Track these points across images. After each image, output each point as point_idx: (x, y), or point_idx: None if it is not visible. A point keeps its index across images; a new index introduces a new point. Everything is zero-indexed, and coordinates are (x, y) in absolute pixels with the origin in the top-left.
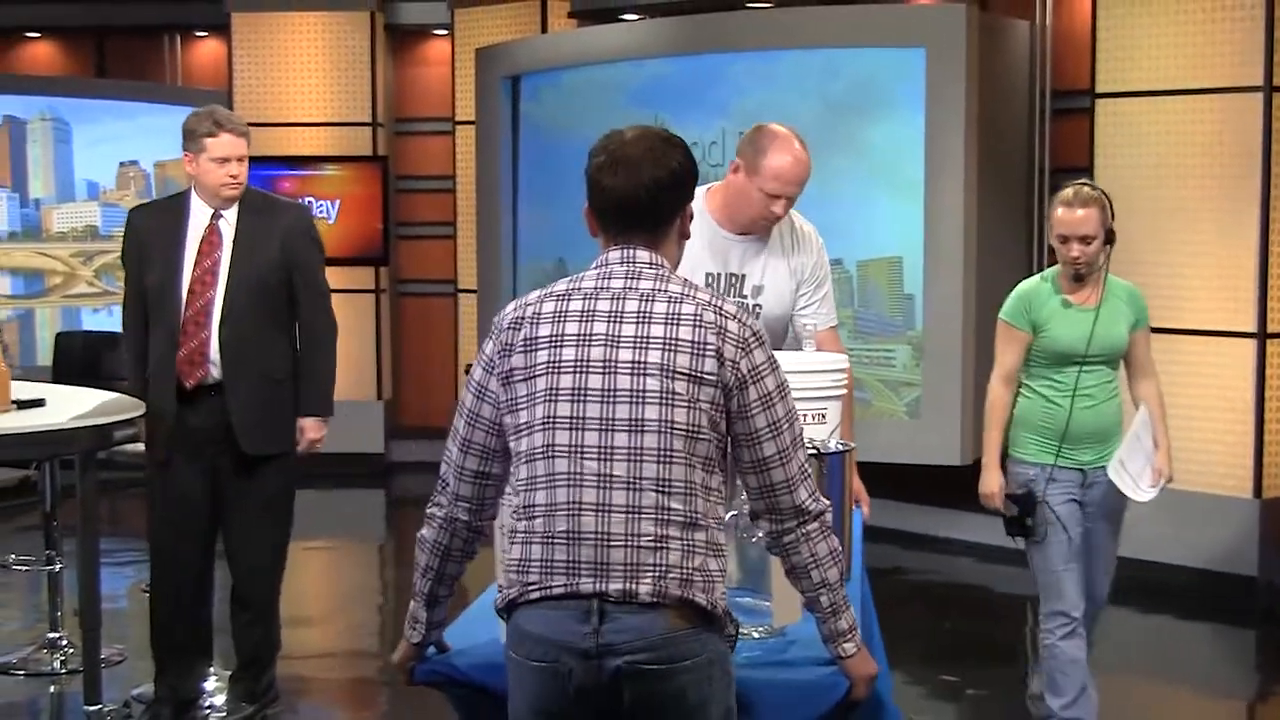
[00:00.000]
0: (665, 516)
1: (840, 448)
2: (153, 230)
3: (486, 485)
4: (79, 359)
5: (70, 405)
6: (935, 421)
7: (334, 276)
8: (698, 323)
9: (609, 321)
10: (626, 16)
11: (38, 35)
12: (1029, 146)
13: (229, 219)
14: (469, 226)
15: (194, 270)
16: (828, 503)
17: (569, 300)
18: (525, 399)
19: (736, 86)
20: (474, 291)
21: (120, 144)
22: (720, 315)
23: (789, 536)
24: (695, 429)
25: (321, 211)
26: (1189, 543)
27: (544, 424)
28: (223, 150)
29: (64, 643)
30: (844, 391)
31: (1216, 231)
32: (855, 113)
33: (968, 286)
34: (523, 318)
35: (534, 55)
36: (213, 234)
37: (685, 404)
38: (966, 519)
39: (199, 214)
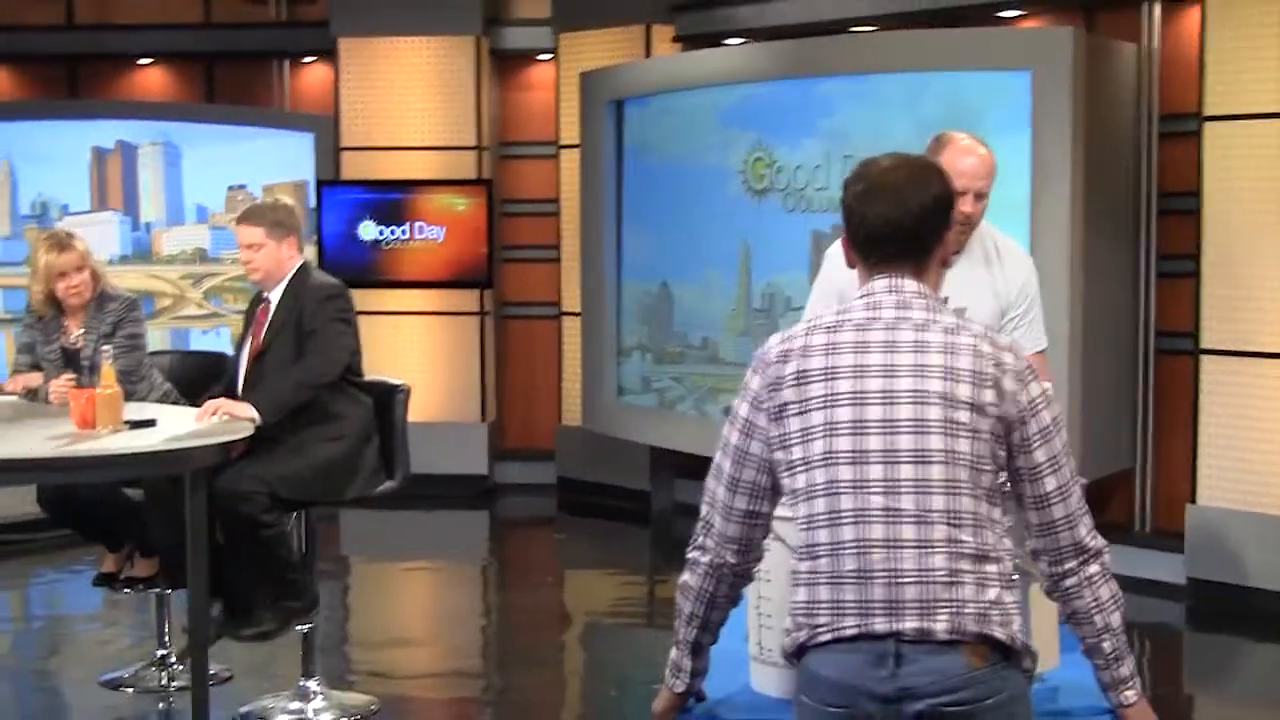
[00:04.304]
0: (956, 550)
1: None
2: None
3: (756, 525)
4: (189, 379)
5: (180, 426)
6: None
7: (439, 299)
8: (976, 353)
9: (884, 352)
10: (730, 41)
11: (150, 61)
12: (1135, 170)
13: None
14: (572, 249)
15: None
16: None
17: (839, 332)
18: (799, 434)
19: (839, 109)
20: (577, 314)
21: (229, 168)
22: (996, 348)
23: (1070, 580)
24: (978, 459)
25: (429, 234)
26: None
27: (823, 459)
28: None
29: (172, 660)
30: None
31: None
32: None
33: (1074, 310)
34: (791, 350)
35: (639, 79)
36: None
37: (968, 434)
38: None
39: None
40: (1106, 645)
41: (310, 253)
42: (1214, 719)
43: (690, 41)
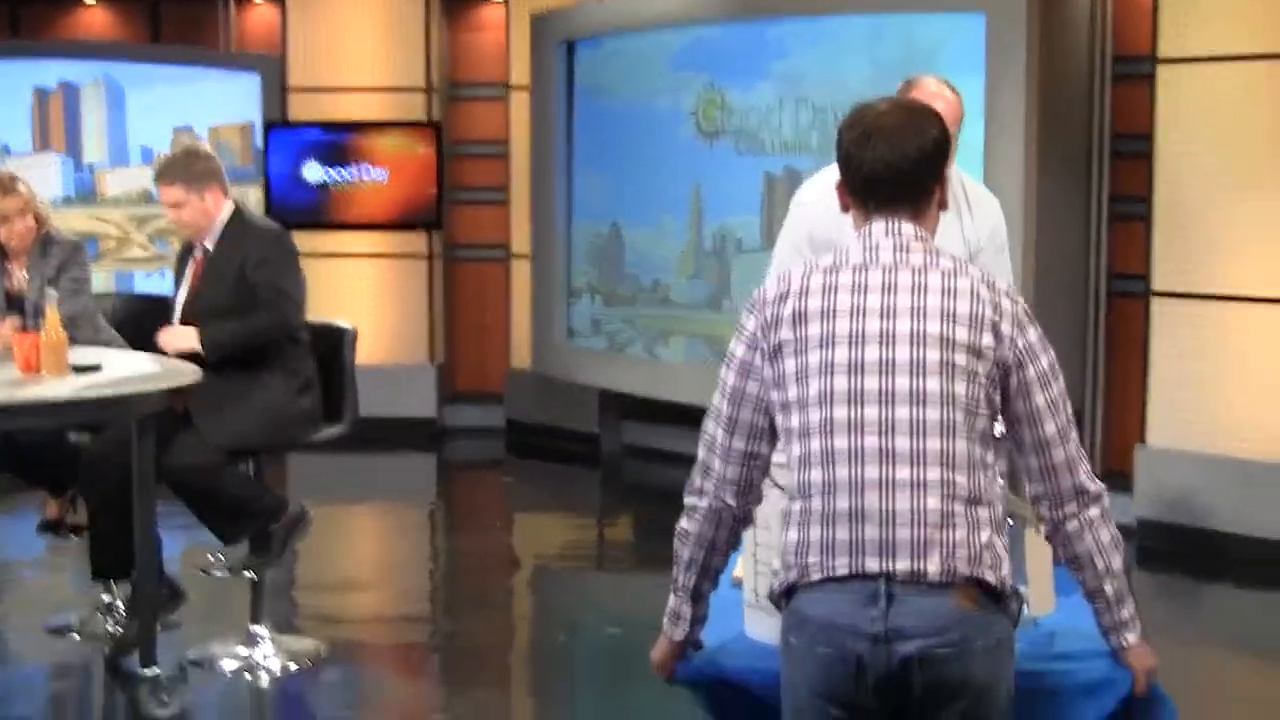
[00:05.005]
0: (950, 492)
1: None
2: None
3: (754, 466)
4: (133, 323)
5: (126, 369)
6: None
7: (387, 241)
8: (975, 297)
9: (882, 294)
10: None
11: (93, 1)
12: (1089, 113)
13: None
14: (522, 192)
15: None
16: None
17: (837, 273)
18: (795, 373)
19: (793, 51)
20: (527, 257)
21: (174, 109)
22: (995, 291)
23: (1072, 523)
24: (974, 403)
25: (377, 176)
26: (1251, 512)
27: (819, 399)
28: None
29: (117, 605)
30: None
31: (1277, 198)
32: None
33: (1026, 252)
34: (789, 291)
35: (590, 20)
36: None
37: (966, 377)
38: None
39: None
40: (1108, 588)
41: (257, 195)
42: (1164, 659)
43: None
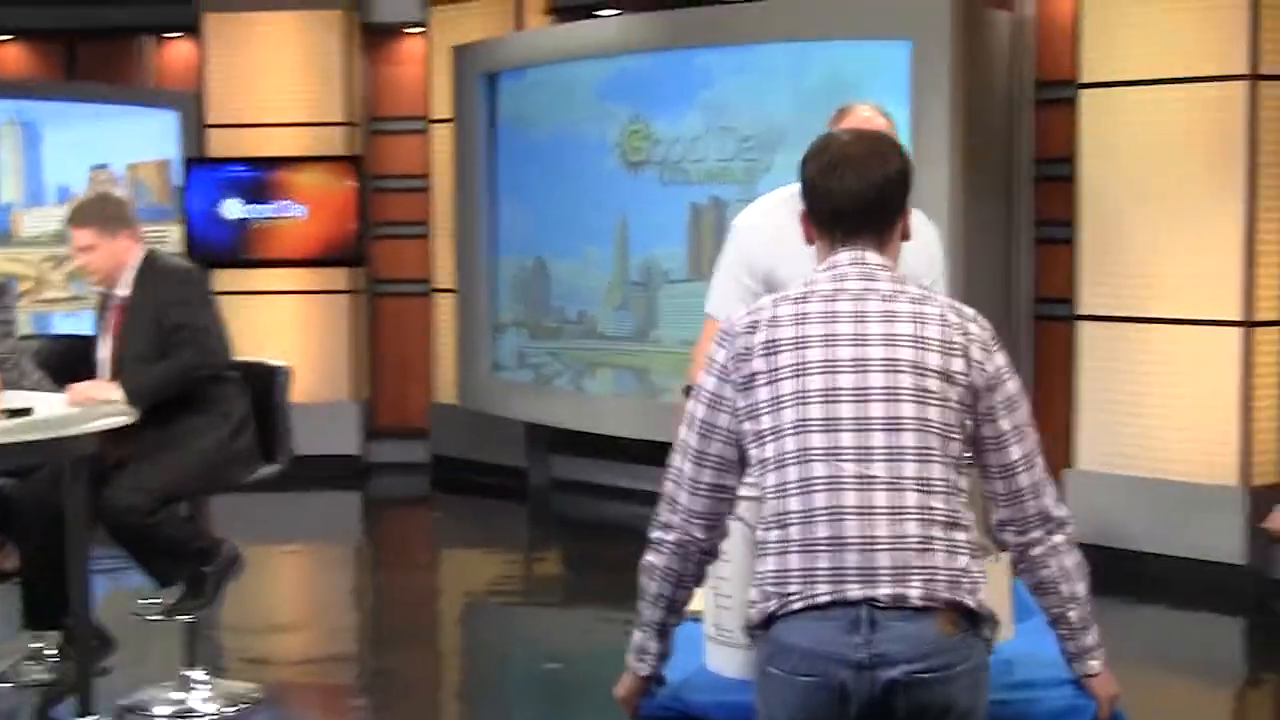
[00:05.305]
0: (928, 517)
1: None
2: None
3: (722, 500)
4: (58, 363)
5: (56, 414)
6: None
7: (308, 278)
8: (944, 322)
9: (854, 322)
10: (604, 12)
11: (8, 38)
12: (1013, 138)
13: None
14: (444, 226)
15: None
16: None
17: (806, 302)
18: (769, 403)
19: (719, 80)
20: (450, 291)
21: (91, 147)
22: (963, 317)
23: (1037, 550)
24: (947, 428)
25: (298, 212)
26: (1178, 532)
27: (794, 427)
28: None
29: (48, 652)
30: None
31: (1201, 220)
32: (835, 105)
33: (954, 277)
34: (759, 321)
35: (513, 53)
36: None
37: (939, 402)
38: None
39: None
40: (1072, 614)
41: (177, 232)
42: None
43: (563, 14)
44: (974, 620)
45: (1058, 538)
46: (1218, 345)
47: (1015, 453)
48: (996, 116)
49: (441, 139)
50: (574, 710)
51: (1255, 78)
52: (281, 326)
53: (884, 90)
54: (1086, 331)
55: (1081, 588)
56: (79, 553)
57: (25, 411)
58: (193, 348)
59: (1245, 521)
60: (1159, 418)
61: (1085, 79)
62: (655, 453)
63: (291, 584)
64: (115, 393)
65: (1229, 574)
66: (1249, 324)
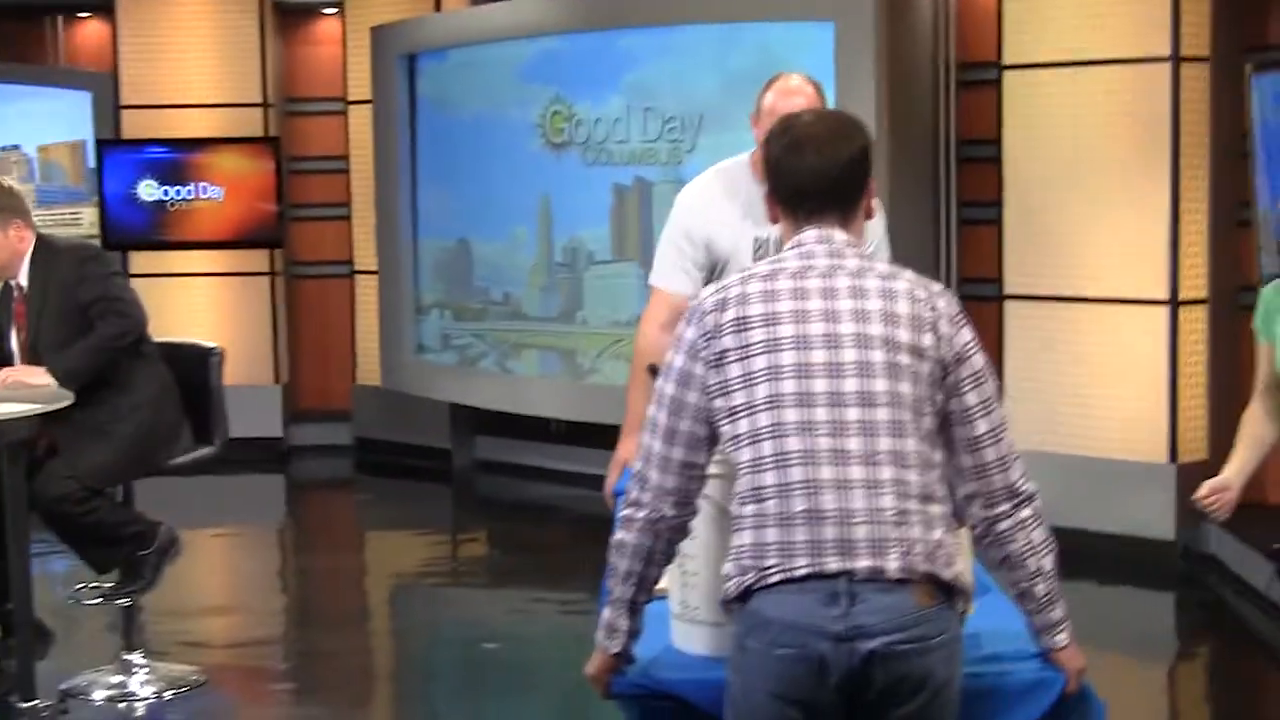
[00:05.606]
0: (903, 490)
1: None
2: None
3: (693, 476)
4: None
5: None
6: None
7: (226, 260)
8: (912, 298)
9: (824, 298)
10: None
11: None
12: (936, 119)
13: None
14: (364, 207)
15: None
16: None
17: (775, 280)
18: (740, 379)
19: (642, 61)
20: (371, 273)
21: (2, 128)
22: (930, 292)
23: (1004, 523)
24: (919, 402)
25: (215, 194)
26: (1107, 509)
27: (768, 403)
28: None
29: None
30: None
31: (1127, 201)
32: (757, 87)
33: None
34: (727, 299)
35: (432, 33)
36: None
37: (910, 377)
38: None
39: None
40: (1039, 589)
41: (91, 215)
42: None
43: None
44: (949, 593)
45: (1025, 511)
46: (1144, 324)
47: (982, 426)
48: (920, 98)
49: (359, 120)
50: (510, 690)
51: (1178, 59)
52: (200, 309)
53: (809, 71)
54: (1013, 311)
55: (1048, 562)
56: (20, 540)
57: None
58: (113, 316)
59: (1174, 498)
60: (1088, 396)
61: (1008, 60)
62: (581, 434)
63: (220, 567)
64: (45, 378)
65: (1158, 549)
66: (1175, 303)
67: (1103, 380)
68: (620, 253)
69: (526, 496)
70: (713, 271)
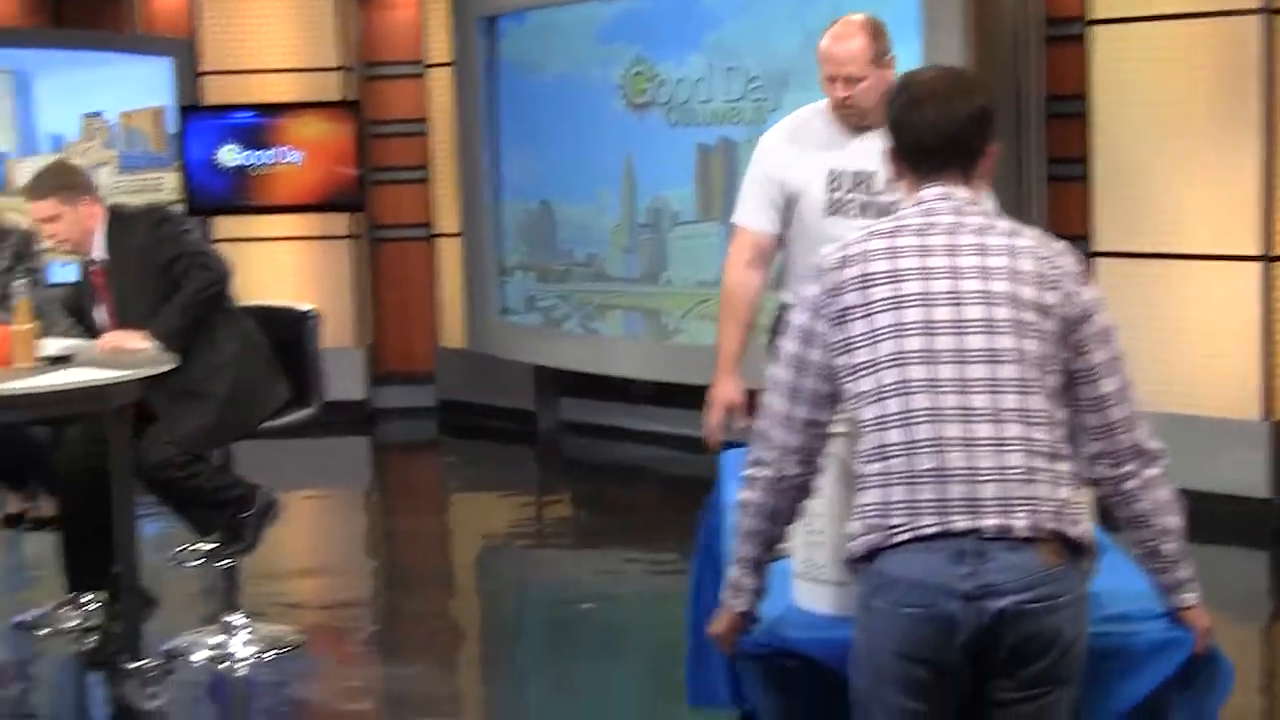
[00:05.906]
0: (1031, 448)
1: None
2: None
3: (816, 434)
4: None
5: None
6: None
7: (308, 224)
8: (1036, 256)
9: (947, 255)
10: None
11: None
12: (1023, 75)
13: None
14: (444, 170)
15: None
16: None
17: (898, 236)
18: (864, 336)
19: (723, 21)
20: (453, 235)
21: (83, 95)
22: (1052, 250)
23: (1131, 483)
24: (1045, 359)
25: (296, 159)
26: (1199, 467)
27: (892, 360)
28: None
29: (84, 601)
30: None
31: (1217, 156)
32: None
33: None
34: (849, 256)
35: None
36: None
37: (1035, 334)
38: None
39: None
40: (1166, 547)
41: (173, 180)
42: None
43: None
44: (1075, 551)
45: (1152, 470)
46: (1237, 280)
47: (1108, 385)
48: (1006, 54)
49: (438, 83)
50: (598, 651)
51: (1269, 11)
52: (283, 273)
53: (893, 28)
54: (1103, 268)
55: (1175, 521)
56: (125, 505)
57: (65, 359)
58: (196, 270)
59: (1267, 455)
60: (1179, 354)
61: (1095, 15)
62: (665, 394)
63: (311, 530)
64: (143, 342)
65: (1252, 508)
66: (1268, 258)
67: (1194, 337)
68: (705, 213)
69: (612, 458)
70: (789, 208)
